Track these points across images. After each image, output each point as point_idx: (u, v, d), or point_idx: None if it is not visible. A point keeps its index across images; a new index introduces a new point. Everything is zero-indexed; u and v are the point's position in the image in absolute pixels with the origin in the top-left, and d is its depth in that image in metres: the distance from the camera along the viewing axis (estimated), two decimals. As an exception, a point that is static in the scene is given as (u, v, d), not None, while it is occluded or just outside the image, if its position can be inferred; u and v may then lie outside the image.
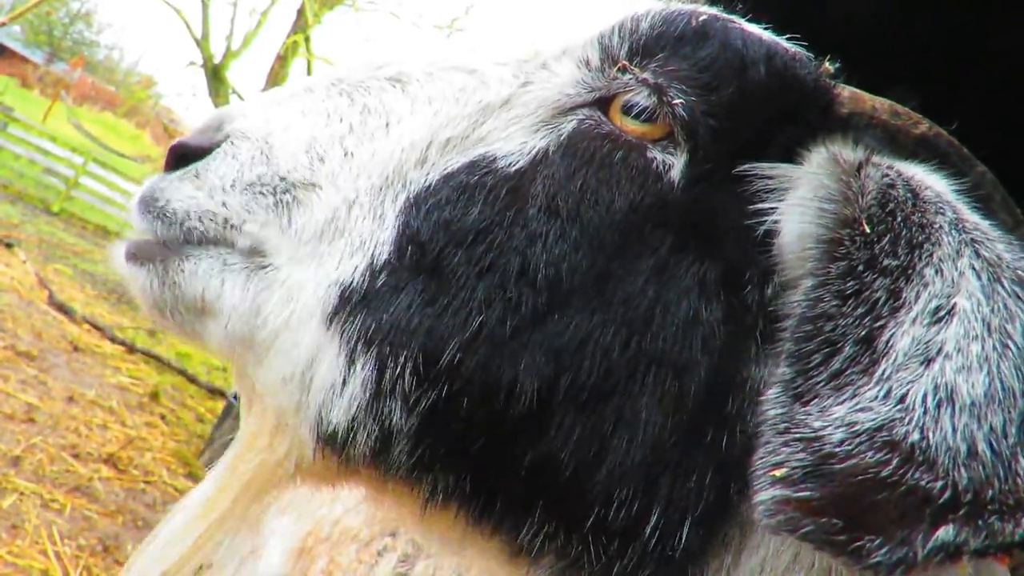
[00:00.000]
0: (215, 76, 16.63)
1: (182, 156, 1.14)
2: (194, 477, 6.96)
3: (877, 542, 0.72)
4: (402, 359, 0.98)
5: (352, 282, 1.02)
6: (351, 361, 1.00)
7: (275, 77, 15.18)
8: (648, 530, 0.95)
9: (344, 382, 1.01)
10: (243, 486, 1.12)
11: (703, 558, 0.97)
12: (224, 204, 1.07)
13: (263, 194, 1.07)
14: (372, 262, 1.02)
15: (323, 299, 1.02)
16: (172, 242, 1.09)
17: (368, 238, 1.04)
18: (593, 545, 0.98)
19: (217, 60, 16.85)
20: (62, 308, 9.61)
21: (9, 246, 11.36)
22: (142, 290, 1.11)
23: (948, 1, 2.39)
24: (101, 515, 5.67)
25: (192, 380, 9.54)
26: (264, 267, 1.06)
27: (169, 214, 1.08)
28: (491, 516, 1.03)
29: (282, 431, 1.08)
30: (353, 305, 1.01)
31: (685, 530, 0.94)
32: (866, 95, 1.09)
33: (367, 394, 1.00)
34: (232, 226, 1.07)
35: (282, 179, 1.08)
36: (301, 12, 15.07)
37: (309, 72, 15.08)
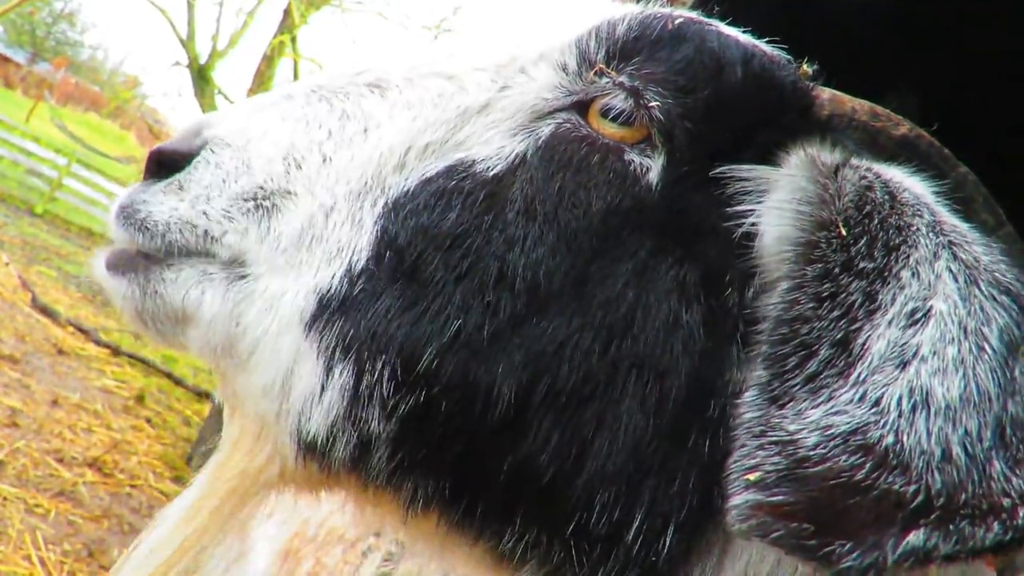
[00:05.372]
0: (201, 76, 16.55)
1: (160, 163, 1.13)
2: (181, 481, 6.91)
3: (847, 547, 0.71)
4: (379, 365, 0.98)
5: (330, 289, 1.02)
6: (329, 368, 1.00)
7: (261, 77, 15.13)
8: (631, 536, 0.94)
9: (323, 389, 1.01)
10: (226, 492, 1.13)
11: (687, 563, 0.96)
12: (205, 214, 1.06)
13: (243, 204, 1.07)
14: (350, 268, 1.02)
15: (302, 307, 1.02)
16: (153, 253, 1.09)
17: (346, 244, 1.04)
18: (576, 551, 0.97)
19: (203, 60, 16.77)
20: (46, 311, 9.52)
21: (-9, 248, 11.24)
22: (124, 300, 1.11)
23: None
24: (86, 520, 5.62)
25: (178, 383, 9.47)
26: (243, 277, 1.06)
27: (151, 226, 1.07)
28: (472, 522, 1.03)
29: (264, 438, 1.09)
30: (331, 312, 1.01)
31: (668, 535, 0.94)
32: (846, 97, 1.09)
33: (345, 401, 1.00)
34: (212, 238, 1.06)
35: (260, 188, 1.07)
36: (288, 12, 15.03)
37: (296, 72, 15.04)
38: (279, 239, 1.05)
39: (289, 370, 1.02)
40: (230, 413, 1.16)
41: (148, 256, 1.10)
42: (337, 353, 1.00)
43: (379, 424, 1.00)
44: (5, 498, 5.35)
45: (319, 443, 1.02)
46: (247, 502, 1.14)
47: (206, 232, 1.06)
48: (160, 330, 1.11)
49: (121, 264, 1.12)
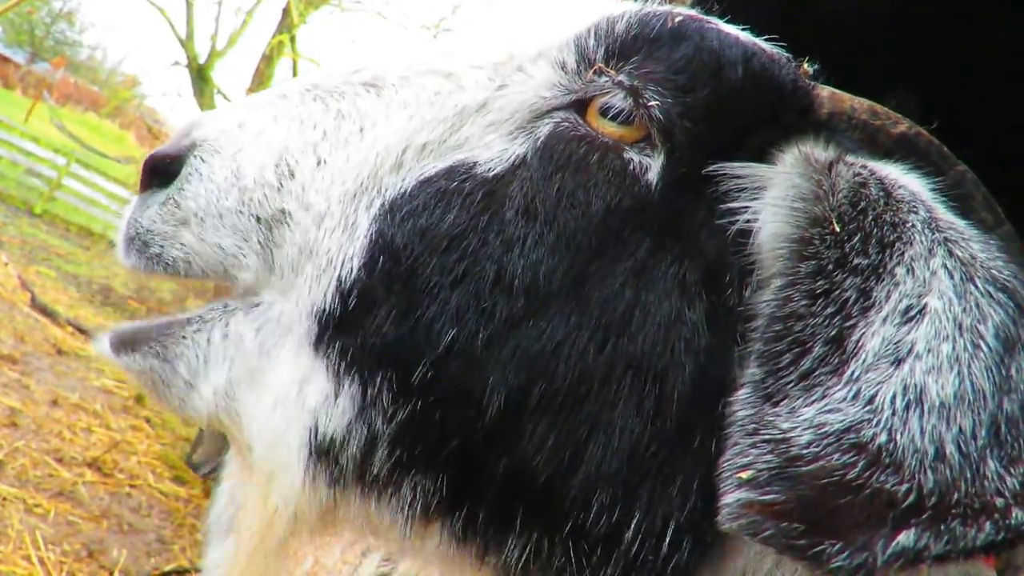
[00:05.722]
0: (200, 76, 16.57)
1: (155, 170, 1.14)
2: (180, 480, 6.92)
3: (837, 547, 0.71)
4: (378, 379, 1.00)
5: (325, 307, 1.03)
6: (339, 381, 1.02)
7: (260, 77, 15.12)
8: (628, 537, 0.94)
9: (336, 396, 1.02)
10: (251, 549, 1.14)
11: (690, 564, 0.96)
12: (220, 247, 1.08)
13: (248, 242, 1.08)
14: (340, 282, 1.03)
15: (307, 328, 1.04)
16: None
17: (336, 254, 1.04)
18: (575, 554, 0.97)
19: (202, 60, 16.79)
20: (45, 311, 9.51)
21: (-9, 248, 11.23)
22: (141, 375, 1.13)
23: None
24: (85, 520, 5.62)
25: (178, 382, 9.45)
26: (257, 305, 1.09)
27: (170, 262, 1.10)
28: (475, 531, 1.02)
29: (272, 478, 1.08)
30: (332, 330, 1.03)
31: (668, 536, 0.93)
32: (845, 96, 1.08)
33: (355, 408, 1.02)
34: (229, 274, 1.10)
35: (257, 216, 1.08)
36: (287, 12, 15.03)
37: (295, 72, 15.03)
38: (283, 266, 1.07)
39: (303, 382, 1.04)
40: (247, 476, 1.15)
41: (160, 327, 1.13)
42: (342, 368, 1.02)
43: (382, 425, 1.01)
44: (5, 498, 5.34)
45: (336, 443, 1.02)
46: (273, 552, 1.13)
47: (224, 268, 1.10)
48: (178, 392, 1.11)
49: (127, 341, 1.14)
